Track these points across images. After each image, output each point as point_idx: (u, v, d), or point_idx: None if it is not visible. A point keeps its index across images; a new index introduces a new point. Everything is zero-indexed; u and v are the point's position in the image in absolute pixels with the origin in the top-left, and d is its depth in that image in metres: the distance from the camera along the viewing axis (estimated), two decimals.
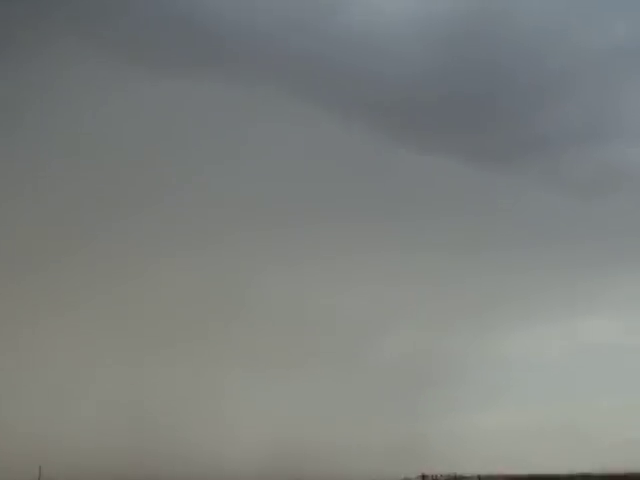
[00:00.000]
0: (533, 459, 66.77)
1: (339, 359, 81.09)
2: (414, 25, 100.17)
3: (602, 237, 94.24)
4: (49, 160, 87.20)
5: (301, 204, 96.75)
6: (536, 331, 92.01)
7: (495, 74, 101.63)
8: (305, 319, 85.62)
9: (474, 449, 69.81)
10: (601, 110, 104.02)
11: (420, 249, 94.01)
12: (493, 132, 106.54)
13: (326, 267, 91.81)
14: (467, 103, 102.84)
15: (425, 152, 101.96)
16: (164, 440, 62.72)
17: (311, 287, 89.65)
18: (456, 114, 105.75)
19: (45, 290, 76.44)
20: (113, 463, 57.28)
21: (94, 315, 74.96)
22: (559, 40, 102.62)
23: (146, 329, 75.43)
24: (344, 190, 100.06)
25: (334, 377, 76.64)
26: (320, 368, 77.69)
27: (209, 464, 59.88)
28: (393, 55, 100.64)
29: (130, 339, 73.30)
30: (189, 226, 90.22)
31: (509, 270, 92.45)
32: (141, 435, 62.62)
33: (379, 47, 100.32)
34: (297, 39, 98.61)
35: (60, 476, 56.46)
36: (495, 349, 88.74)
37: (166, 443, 62.36)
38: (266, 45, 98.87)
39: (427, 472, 68.15)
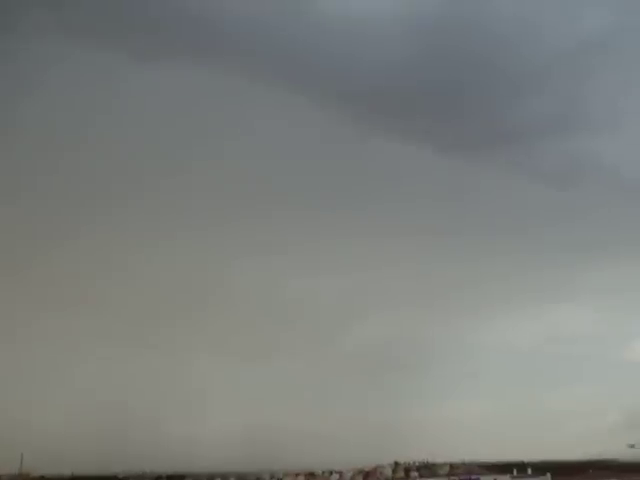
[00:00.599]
0: (505, 446, 67.00)
1: (311, 346, 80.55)
2: (393, 15, 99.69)
3: (571, 226, 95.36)
4: (27, 156, 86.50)
5: (271, 193, 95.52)
6: (506, 320, 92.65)
7: (469, 64, 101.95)
8: (277, 307, 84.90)
9: (446, 437, 69.86)
10: (571, 102, 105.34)
11: (391, 236, 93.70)
12: (466, 121, 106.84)
13: (296, 255, 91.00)
14: (441, 92, 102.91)
15: (397, 139, 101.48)
16: (140, 427, 62.89)
17: (282, 275, 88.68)
18: (429, 103, 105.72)
19: (27, 283, 76.70)
20: (91, 449, 56.73)
21: (74, 307, 75.37)
22: (532, 33, 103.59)
23: (124, 321, 75.98)
24: (315, 178, 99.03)
25: (306, 364, 76.22)
26: (292, 355, 77.16)
27: (182, 450, 59.45)
28: (370, 43, 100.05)
29: (108, 330, 74.03)
30: (164, 219, 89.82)
31: (480, 257, 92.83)
32: (117, 423, 62.37)
33: (356, 35, 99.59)
34: (276, 25, 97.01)
35: (41, 463, 56.90)
36: (466, 337, 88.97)
37: (142, 430, 62.45)
38: (245, 32, 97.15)
39: (400, 459, 68.00)
